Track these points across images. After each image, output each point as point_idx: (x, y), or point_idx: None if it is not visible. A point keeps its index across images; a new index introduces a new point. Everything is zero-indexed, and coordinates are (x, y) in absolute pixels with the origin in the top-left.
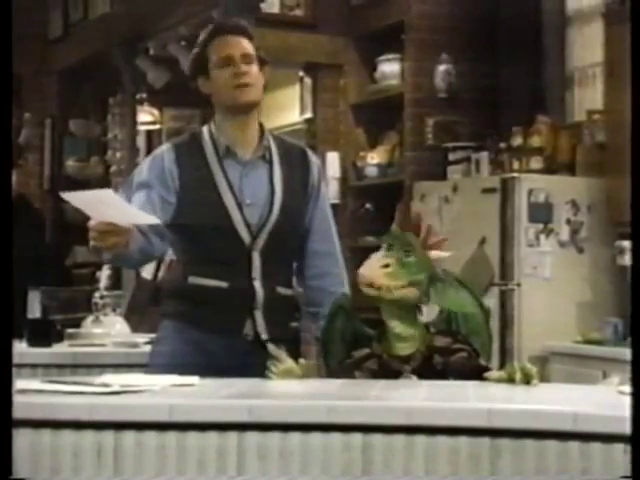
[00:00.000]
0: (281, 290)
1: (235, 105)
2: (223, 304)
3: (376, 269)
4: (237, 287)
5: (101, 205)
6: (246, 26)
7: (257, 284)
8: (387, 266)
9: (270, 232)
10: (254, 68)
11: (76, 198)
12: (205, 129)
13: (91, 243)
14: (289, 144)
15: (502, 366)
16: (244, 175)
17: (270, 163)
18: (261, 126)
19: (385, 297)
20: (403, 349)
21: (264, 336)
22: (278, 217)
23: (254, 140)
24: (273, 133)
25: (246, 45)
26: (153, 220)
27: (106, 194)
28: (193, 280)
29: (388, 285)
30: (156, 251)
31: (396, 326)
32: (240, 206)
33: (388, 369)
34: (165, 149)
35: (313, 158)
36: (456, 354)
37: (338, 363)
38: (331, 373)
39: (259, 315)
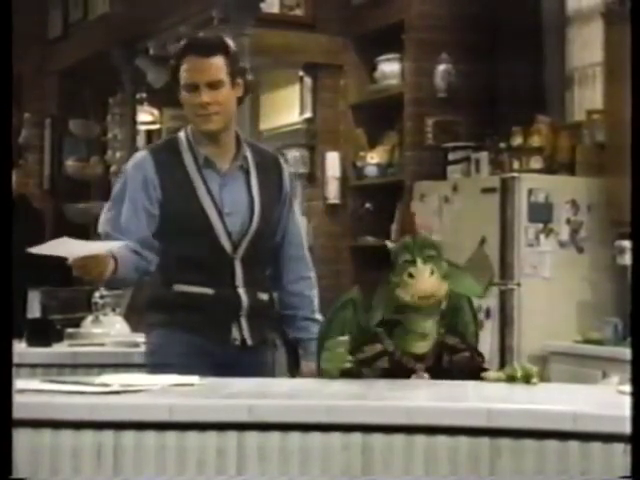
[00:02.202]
0: (261, 295)
1: (200, 131)
2: (210, 311)
3: (427, 279)
4: (223, 294)
5: (68, 245)
6: (221, 42)
7: (241, 291)
8: (432, 273)
9: (250, 240)
10: (223, 92)
11: (46, 248)
12: (182, 136)
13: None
14: (263, 152)
15: (502, 366)
16: (223, 185)
17: (247, 172)
18: (237, 136)
19: (439, 300)
20: (421, 347)
21: (249, 341)
22: (258, 225)
23: (231, 151)
24: (248, 140)
25: (215, 69)
26: (115, 245)
27: (63, 240)
28: (178, 288)
29: (440, 288)
30: (152, 265)
31: (423, 327)
32: (221, 216)
33: (400, 367)
34: (144, 157)
35: (285, 165)
36: (460, 353)
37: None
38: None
39: (244, 321)
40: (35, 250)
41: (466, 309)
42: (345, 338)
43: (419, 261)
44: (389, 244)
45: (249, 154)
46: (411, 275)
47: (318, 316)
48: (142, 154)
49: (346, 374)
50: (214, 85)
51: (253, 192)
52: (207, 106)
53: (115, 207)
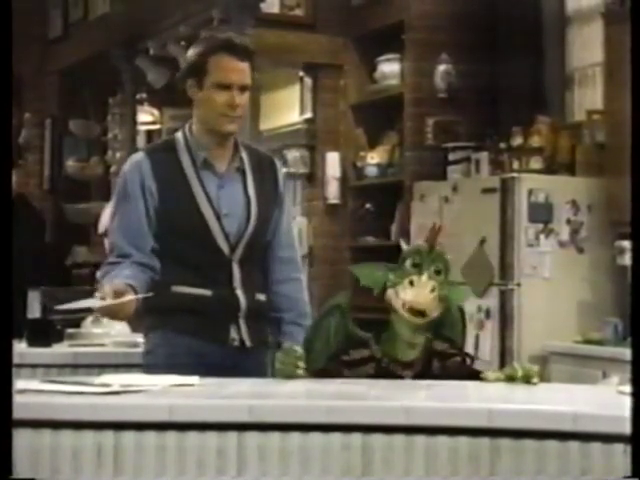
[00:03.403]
0: (259, 296)
1: (217, 131)
2: (208, 312)
3: (426, 295)
4: (221, 295)
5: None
6: (250, 47)
7: (239, 292)
8: (433, 290)
9: (247, 241)
10: (246, 96)
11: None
12: (180, 136)
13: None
14: (259, 153)
15: (502, 366)
16: (220, 187)
17: (244, 174)
18: (235, 138)
19: (429, 319)
20: (408, 355)
21: (248, 342)
22: (255, 226)
23: (230, 153)
24: (244, 142)
25: (247, 73)
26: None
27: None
28: (176, 289)
29: (435, 308)
30: (158, 272)
31: (411, 337)
32: (218, 218)
33: (387, 374)
34: (141, 158)
35: (280, 166)
36: (450, 359)
37: (327, 360)
38: (313, 370)
39: (242, 322)
40: (63, 307)
41: (453, 308)
42: (298, 349)
43: (426, 274)
44: (404, 245)
45: (245, 155)
46: (412, 283)
47: (306, 321)
48: (139, 156)
49: (324, 373)
50: (243, 88)
51: (250, 193)
52: (236, 108)
53: (118, 214)
